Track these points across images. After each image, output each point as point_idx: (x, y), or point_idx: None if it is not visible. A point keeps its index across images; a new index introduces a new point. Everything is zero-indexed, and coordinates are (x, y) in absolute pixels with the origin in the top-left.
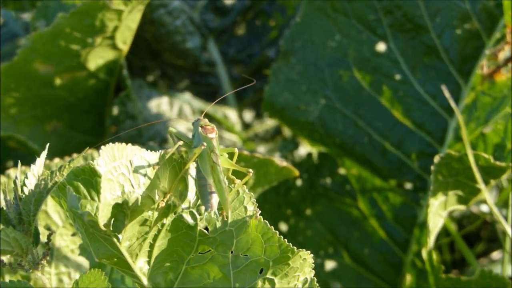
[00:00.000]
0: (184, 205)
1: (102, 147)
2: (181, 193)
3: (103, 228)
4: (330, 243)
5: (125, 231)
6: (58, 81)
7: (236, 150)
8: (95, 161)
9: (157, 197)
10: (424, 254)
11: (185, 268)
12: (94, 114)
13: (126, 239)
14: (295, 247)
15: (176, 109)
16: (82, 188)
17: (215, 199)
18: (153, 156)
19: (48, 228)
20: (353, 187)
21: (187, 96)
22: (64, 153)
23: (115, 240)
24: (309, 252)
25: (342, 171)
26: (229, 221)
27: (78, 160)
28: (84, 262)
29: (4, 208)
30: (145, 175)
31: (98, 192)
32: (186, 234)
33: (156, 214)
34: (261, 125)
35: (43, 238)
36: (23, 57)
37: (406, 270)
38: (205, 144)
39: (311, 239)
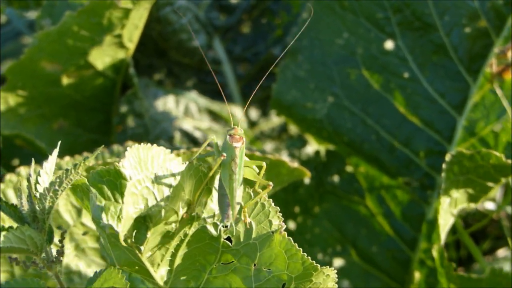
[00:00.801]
0: (208, 216)
1: (128, 148)
2: (205, 203)
3: (123, 243)
4: (338, 241)
5: (147, 242)
6: (65, 80)
7: (264, 164)
8: (120, 162)
9: (181, 209)
10: (435, 252)
11: (207, 277)
12: (101, 112)
13: (147, 250)
14: (318, 265)
15: (182, 107)
16: (106, 190)
17: (233, 211)
18: (179, 166)
19: (59, 227)
20: (361, 185)
21: (193, 94)
22: (71, 151)
23: (136, 251)
24: (333, 268)
25: (349, 169)
26: (253, 235)
27: (92, 159)
28: (94, 261)
29: (18, 206)
30: (169, 187)
31: (122, 194)
32: (209, 245)
33: (179, 225)
34: (267, 123)
35: (55, 237)
36: (30, 56)
37: (414, 268)
38: (224, 154)
39: (319, 236)
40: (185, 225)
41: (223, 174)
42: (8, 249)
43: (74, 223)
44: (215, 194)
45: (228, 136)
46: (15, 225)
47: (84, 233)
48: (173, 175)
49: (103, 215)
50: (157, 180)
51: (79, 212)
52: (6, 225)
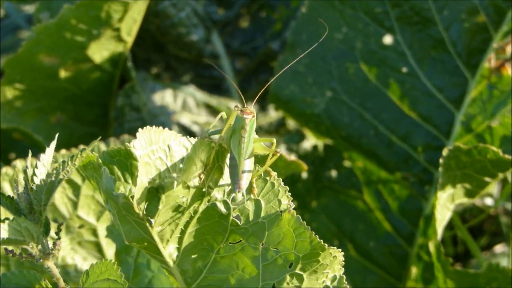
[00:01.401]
0: (218, 193)
1: (140, 129)
2: (216, 180)
3: (137, 211)
4: (335, 236)
5: (158, 216)
6: (63, 73)
7: (274, 141)
8: (131, 143)
9: (192, 183)
10: (431, 247)
11: (214, 257)
12: (99, 106)
13: (158, 224)
14: (326, 244)
15: (180, 101)
16: (116, 170)
17: (244, 181)
18: (190, 142)
19: (55, 220)
20: (359, 179)
21: (191, 88)
22: (68, 144)
23: (147, 224)
24: (340, 250)
25: (347, 163)
26: (262, 213)
27: (88, 151)
28: (90, 254)
29: (15, 198)
30: (182, 160)
31: (132, 175)
32: (218, 223)
33: (190, 200)
34: (265, 117)
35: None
36: (28, 49)
37: (411, 263)
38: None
39: (316, 231)
40: (195, 201)
41: (233, 143)
42: (5, 240)
43: (70, 216)
44: (226, 171)
45: (239, 111)
46: (11, 216)
47: (80, 226)
48: (186, 149)
49: (116, 186)
50: (170, 151)
51: (75, 205)
52: (2, 217)
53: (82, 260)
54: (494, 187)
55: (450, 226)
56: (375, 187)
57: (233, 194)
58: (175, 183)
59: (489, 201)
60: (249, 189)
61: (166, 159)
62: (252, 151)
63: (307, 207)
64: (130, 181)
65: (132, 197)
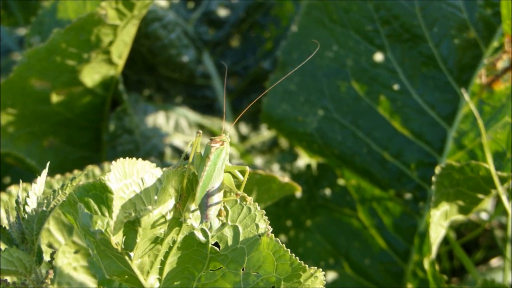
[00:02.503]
0: (196, 222)
1: (113, 162)
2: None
3: (115, 246)
4: (330, 254)
5: (136, 248)
6: (54, 97)
7: (248, 169)
8: (105, 176)
9: (168, 215)
10: (426, 264)
11: (196, 285)
12: (91, 129)
13: (137, 257)
14: (306, 265)
15: (172, 123)
16: (93, 203)
17: (212, 211)
18: (163, 173)
19: (50, 246)
20: (353, 197)
21: (183, 109)
22: (61, 168)
23: (126, 258)
24: (320, 270)
25: (341, 181)
26: (240, 239)
27: (80, 178)
28: (86, 279)
29: (7, 227)
30: (156, 192)
31: (109, 208)
32: (197, 251)
33: (168, 231)
34: (258, 137)
35: (45, 257)
36: (19, 74)
37: (407, 280)
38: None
39: (311, 250)
40: (173, 231)
41: (199, 172)
42: None
43: (66, 242)
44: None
45: (209, 140)
46: (3, 247)
47: (76, 252)
48: (159, 180)
49: (91, 221)
50: (144, 184)
51: (70, 231)
52: None
53: (78, 286)
54: (488, 202)
55: (445, 241)
56: (369, 205)
57: (200, 224)
58: (151, 215)
59: (484, 215)
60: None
61: (140, 192)
62: (221, 179)
63: (302, 226)
64: (107, 214)
65: (110, 231)
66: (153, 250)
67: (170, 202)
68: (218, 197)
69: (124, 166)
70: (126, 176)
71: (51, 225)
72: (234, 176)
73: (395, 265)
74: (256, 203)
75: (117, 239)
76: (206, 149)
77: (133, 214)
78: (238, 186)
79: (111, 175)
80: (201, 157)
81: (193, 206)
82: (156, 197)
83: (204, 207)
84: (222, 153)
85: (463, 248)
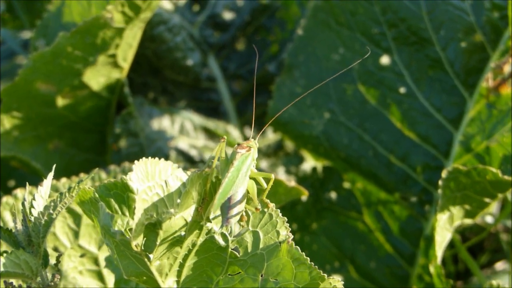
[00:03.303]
0: (216, 226)
1: (135, 162)
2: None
3: (134, 248)
4: (336, 257)
5: (156, 250)
6: (59, 100)
7: (273, 176)
8: (127, 176)
9: (190, 218)
10: (432, 268)
11: None
12: (96, 132)
13: (156, 259)
14: (325, 275)
15: (177, 126)
16: (113, 202)
17: (233, 215)
18: (187, 175)
19: (56, 249)
20: (358, 200)
21: (188, 112)
22: (66, 171)
23: (145, 259)
24: (339, 280)
25: (347, 185)
26: (260, 245)
27: (86, 181)
28: (92, 283)
29: (13, 230)
30: (179, 195)
31: (129, 207)
32: (217, 255)
33: (188, 234)
34: (263, 140)
35: (51, 260)
36: (25, 77)
37: (412, 283)
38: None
39: (316, 253)
40: (193, 234)
41: (223, 177)
42: (3, 273)
43: (72, 245)
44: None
45: (236, 144)
46: (10, 249)
47: (82, 255)
48: (183, 184)
49: (113, 222)
50: (167, 187)
51: (76, 234)
52: (2, 249)
53: None
54: (493, 206)
55: (451, 244)
56: (375, 208)
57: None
58: (173, 218)
59: (489, 219)
60: (239, 218)
61: (163, 195)
62: (245, 186)
63: (307, 229)
64: (127, 213)
65: (130, 230)
66: (173, 253)
67: (192, 206)
68: (240, 203)
69: (147, 166)
70: (148, 176)
71: (56, 228)
72: (257, 183)
73: (400, 269)
74: (278, 210)
75: (137, 241)
76: (232, 154)
77: (155, 217)
78: (259, 192)
79: (133, 174)
80: (226, 162)
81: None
82: (179, 200)
83: (225, 212)
84: (247, 159)
85: (468, 251)
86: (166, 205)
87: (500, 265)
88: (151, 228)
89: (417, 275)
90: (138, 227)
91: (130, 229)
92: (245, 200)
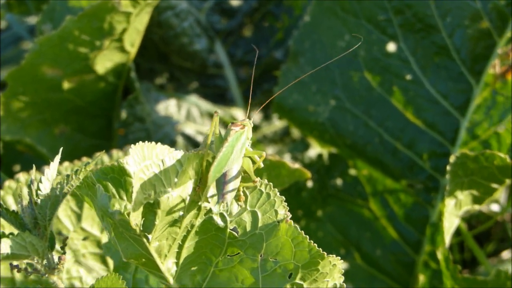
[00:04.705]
0: (215, 206)
1: (132, 145)
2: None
3: (133, 227)
4: (341, 244)
5: (155, 231)
6: (66, 85)
7: (264, 154)
8: (124, 159)
9: (188, 197)
10: (439, 254)
11: (213, 270)
12: (102, 117)
13: (155, 239)
14: (325, 253)
15: (184, 112)
16: (111, 187)
17: (228, 192)
18: (184, 156)
19: (59, 232)
20: (364, 187)
21: (195, 98)
22: (72, 156)
23: (144, 240)
24: (339, 258)
25: (353, 172)
26: (259, 224)
27: (93, 163)
28: (96, 266)
29: (19, 212)
30: (176, 174)
31: (127, 191)
32: (216, 236)
33: (186, 214)
34: (269, 126)
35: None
36: (31, 61)
37: (418, 271)
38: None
39: (322, 240)
40: (191, 214)
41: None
42: (9, 256)
43: (74, 228)
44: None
45: (230, 123)
46: (15, 231)
47: (85, 238)
48: (180, 162)
49: (110, 203)
50: (164, 165)
51: (79, 217)
52: (7, 232)
53: (86, 273)
54: (500, 194)
55: (457, 232)
56: (381, 195)
57: (221, 205)
58: (171, 197)
59: (495, 207)
60: (237, 198)
61: (160, 174)
62: (240, 163)
63: (313, 216)
64: (125, 197)
65: (128, 213)
66: (171, 233)
67: (190, 185)
68: (236, 180)
69: (143, 149)
70: (145, 159)
71: (59, 211)
72: (253, 161)
73: (406, 256)
74: (276, 189)
75: (136, 220)
76: (226, 131)
77: (152, 196)
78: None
79: (130, 158)
80: (221, 139)
81: (212, 190)
82: (176, 180)
83: (221, 187)
84: (242, 136)
85: (475, 240)
86: (163, 184)
87: (506, 254)
88: (149, 207)
89: (423, 262)
90: (136, 206)
91: (128, 213)
92: (240, 177)
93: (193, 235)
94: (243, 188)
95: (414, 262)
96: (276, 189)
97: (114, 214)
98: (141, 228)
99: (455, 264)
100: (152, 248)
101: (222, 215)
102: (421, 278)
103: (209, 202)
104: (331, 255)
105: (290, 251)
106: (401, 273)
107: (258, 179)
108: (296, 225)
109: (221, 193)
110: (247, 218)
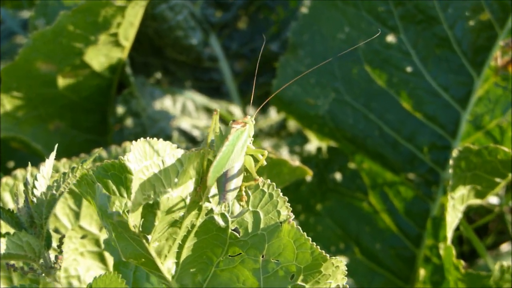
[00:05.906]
0: (216, 206)
1: (133, 142)
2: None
3: (132, 229)
4: (341, 239)
5: (154, 231)
6: (60, 80)
7: (266, 153)
8: (125, 156)
9: (188, 198)
10: (442, 249)
11: (214, 270)
12: (97, 112)
13: (155, 240)
14: (327, 255)
15: (179, 106)
16: (111, 184)
17: (230, 191)
18: (184, 155)
19: (56, 231)
20: (364, 181)
21: (190, 92)
22: (67, 152)
23: (144, 241)
24: (341, 260)
25: (352, 165)
26: (261, 225)
27: (90, 161)
28: (94, 265)
29: (15, 211)
30: (177, 174)
31: (127, 189)
32: (217, 236)
33: (187, 215)
34: (265, 120)
35: (53, 242)
36: (25, 56)
37: (419, 265)
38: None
39: (321, 234)
40: (192, 215)
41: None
42: (6, 255)
43: (72, 227)
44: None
45: (231, 121)
46: (12, 230)
47: (83, 237)
48: (180, 162)
49: (109, 202)
50: (164, 165)
51: (77, 215)
52: (3, 231)
53: (85, 271)
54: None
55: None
56: (381, 189)
57: (222, 205)
58: (171, 198)
59: (494, 200)
60: (239, 198)
61: (160, 174)
62: (241, 162)
63: (312, 210)
64: (125, 195)
65: (128, 212)
66: (171, 234)
67: (191, 185)
68: (237, 179)
69: (145, 146)
70: (146, 157)
71: (57, 209)
72: (255, 160)
73: (406, 250)
74: (279, 189)
75: (135, 222)
76: (227, 129)
77: (152, 196)
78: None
79: (131, 155)
80: (221, 137)
81: (213, 190)
82: (176, 180)
83: (222, 187)
84: (243, 134)
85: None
86: (163, 184)
87: (505, 247)
88: (149, 208)
89: (423, 257)
90: (135, 207)
91: (128, 211)
92: (242, 176)
93: (193, 235)
94: (245, 188)
95: (415, 256)
96: (279, 189)
97: (113, 215)
98: (140, 229)
99: (459, 260)
100: (152, 248)
101: (223, 215)
102: (422, 273)
103: (210, 202)
104: (333, 257)
105: (292, 253)
106: (401, 267)
107: (260, 178)
108: (299, 227)
109: (222, 192)
110: (249, 218)
